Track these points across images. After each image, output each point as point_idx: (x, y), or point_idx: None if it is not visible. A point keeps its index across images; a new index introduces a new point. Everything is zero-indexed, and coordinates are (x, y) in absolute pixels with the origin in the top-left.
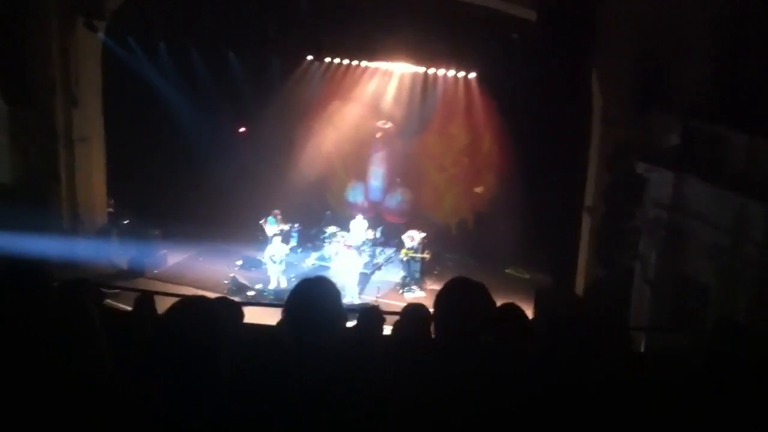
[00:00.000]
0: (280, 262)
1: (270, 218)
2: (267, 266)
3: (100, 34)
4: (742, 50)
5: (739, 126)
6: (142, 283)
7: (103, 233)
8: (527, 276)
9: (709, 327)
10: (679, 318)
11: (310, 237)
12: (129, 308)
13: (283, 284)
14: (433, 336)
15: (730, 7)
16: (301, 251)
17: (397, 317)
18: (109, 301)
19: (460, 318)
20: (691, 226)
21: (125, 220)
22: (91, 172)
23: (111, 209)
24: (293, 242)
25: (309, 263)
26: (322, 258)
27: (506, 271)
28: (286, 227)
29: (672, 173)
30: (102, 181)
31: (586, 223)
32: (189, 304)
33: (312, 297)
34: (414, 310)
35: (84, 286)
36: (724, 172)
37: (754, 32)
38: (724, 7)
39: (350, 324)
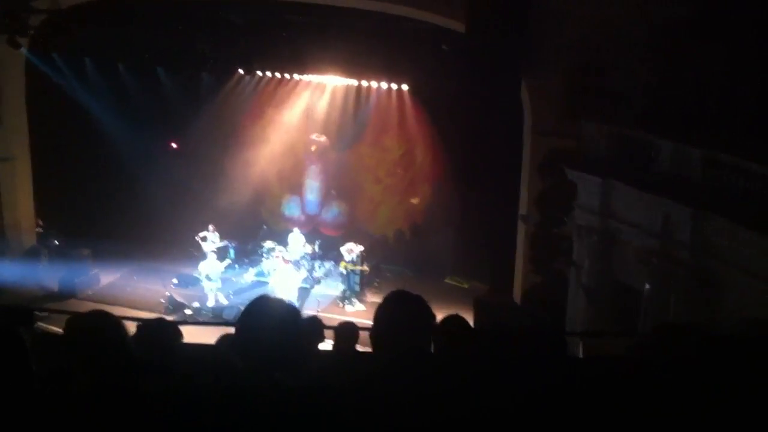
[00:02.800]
0: (216, 280)
1: (207, 235)
2: (203, 284)
3: (23, 50)
4: (670, 61)
5: (665, 133)
6: (74, 305)
7: (31, 254)
8: (466, 285)
9: (646, 330)
10: (614, 322)
11: (247, 252)
12: (60, 330)
13: (222, 301)
14: (370, 349)
15: (660, 21)
16: (239, 267)
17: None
18: (40, 324)
19: (400, 331)
20: (622, 231)
21: (54, 240)
22: (18, 192)
23: (39, 229)
24: (230, 258)
25: (247, 279)
26: (260, 273)
27: (446, 280)
28: (222, 243)
29: (600, 179)
30: (29, 201)
31: (522, 231)
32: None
33: (265, 315)
34: (345, 328)
35: (14, 311)
36: (650, 178)
37: (683, 44)
38: (654, 20)
39: None
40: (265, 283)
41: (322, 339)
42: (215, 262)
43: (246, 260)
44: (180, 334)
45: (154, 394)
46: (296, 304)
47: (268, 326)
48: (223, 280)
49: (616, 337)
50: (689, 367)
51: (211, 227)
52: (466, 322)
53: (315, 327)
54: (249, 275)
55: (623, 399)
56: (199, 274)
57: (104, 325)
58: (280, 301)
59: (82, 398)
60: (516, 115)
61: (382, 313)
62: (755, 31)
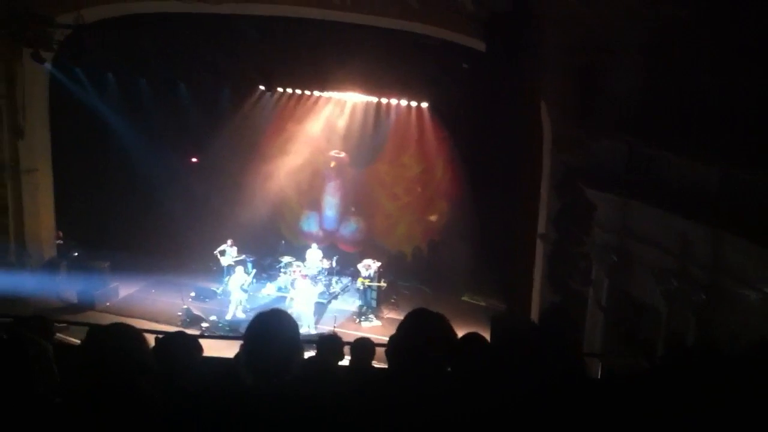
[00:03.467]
0: (248, 291)
1: (226, 249)
2: (232, 296)
3: (47, 65)
4: (680, 75)
5: (682, 150)
6: (93, 317)
7: (51, 266)
8: (483, 303)
9: (664, 351)
10: (632, 341)
11: (265, 267)
12: (79, 342)
13: (240, 315)
14: (386, 366)
15: (662, 31)
16: (257, 282)
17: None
18: (59, 335)
19: (422, 348)
20: (639, 250)
21: (74, 252)
22: (39, 204)
23: (60, 241)
24: (250, 272)
25: (265, 294)
26: (279, 288)
27: (463, 298)
28: (240, 257)
29: (618, 198)
30: (50, 213)
31: (540, 249)
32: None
33: (269, 330)
34: (361, 344)
35: (35, 321)
36: (667, 195)
37: (684, 54)
38: (656, 31)
39: (308, 354)
40: (283, 298)
41: (342, 356)
42: (243, 274)
43: (264, 275)
44: (200, 348)
45: (169, 405)
46: (313, 319)
47: (272, 340)
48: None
49: (635, 358)
50: (706, 390)
51: (229, 241)
52: (485, 340)
53: (335, 344)
54: (267, 290)
55: (641, 421)
56: (229, 285)
57: (125, 336)
58: (281, 314)
59: (99, 407)
60: (535, 133)
61: (403, 330)
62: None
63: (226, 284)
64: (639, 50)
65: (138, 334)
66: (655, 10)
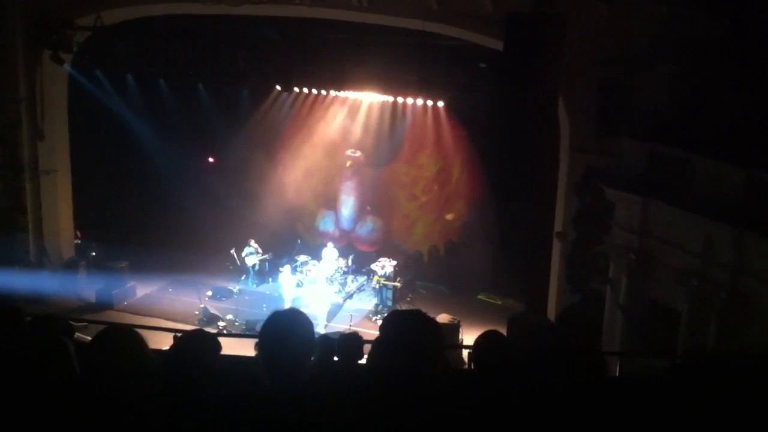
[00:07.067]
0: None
1: (248, 248)
2: (285, 296)
3: (67, 67)
4: (703, 77)
5: (704, 150)
6: (111, 316)
7: (70, 266)
8: (500, 302)
9: (684, 352)
10: (652, 342)
11: (281, 266)
12: None
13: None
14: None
15: (690, 36)
16: (272, 280)
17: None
18: (78, 334)
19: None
20: (660, 250)
21: (93, 252)
22: (58, 205)
23: (78, 241)
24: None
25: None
26: (299, 285)
27: (479, 297)
28: (267, 255)
29: (639, 198)
30: (69, 213)
31: (557, 249)
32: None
33: (284, 330)
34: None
35: (55, 320)
36: (690, 196)
37: (714, 59)
38: (684, 35)
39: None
40: (299, 297)
41: (362, 356)
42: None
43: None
44: (219, 346)
45: (188, 404)
46: (325, 317)
47: (286, 341)
48: (259, 294)
49: (655, 357)
50: (725, 394)
51: (251, 241)
52: (504, 338)
53: (356, 344)
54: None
55: (659, 423)
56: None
57: (124, 340)
58: (296, 314)
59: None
60: (553, 132)
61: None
62: None
63: (248, 284)
64: (668, 60)
65: (138, 337)
66: (685, 23)
